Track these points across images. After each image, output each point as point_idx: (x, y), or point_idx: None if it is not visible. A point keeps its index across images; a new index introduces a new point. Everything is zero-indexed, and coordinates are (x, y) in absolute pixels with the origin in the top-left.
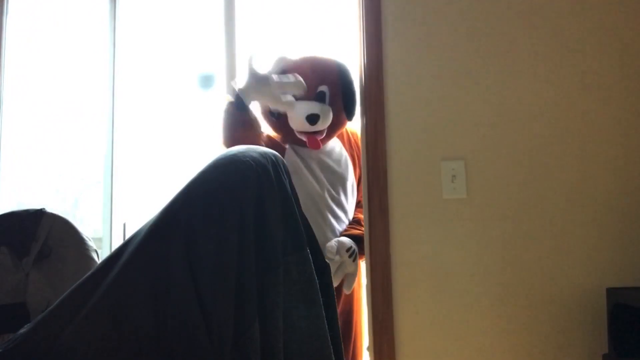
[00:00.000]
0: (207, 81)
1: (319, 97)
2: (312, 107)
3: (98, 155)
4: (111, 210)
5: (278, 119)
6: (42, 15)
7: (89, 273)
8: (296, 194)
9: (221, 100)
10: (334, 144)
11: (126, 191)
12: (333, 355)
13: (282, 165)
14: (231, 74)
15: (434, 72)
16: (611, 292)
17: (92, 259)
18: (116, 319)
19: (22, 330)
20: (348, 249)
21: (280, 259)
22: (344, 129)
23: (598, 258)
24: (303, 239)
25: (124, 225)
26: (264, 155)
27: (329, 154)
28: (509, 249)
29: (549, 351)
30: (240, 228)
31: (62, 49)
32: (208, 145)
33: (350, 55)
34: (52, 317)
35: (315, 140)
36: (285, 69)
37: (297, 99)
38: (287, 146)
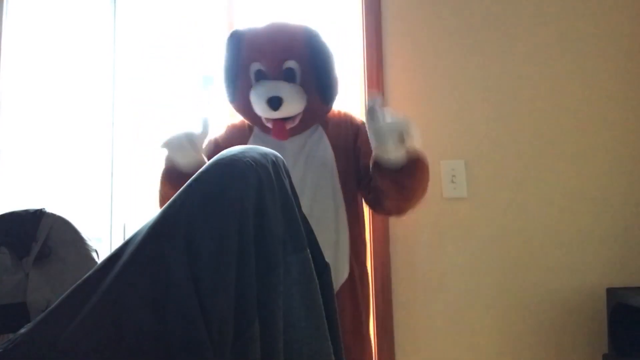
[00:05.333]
0: (207, 82)
1: (287, 76)
2: (274, 88)
3: (98, 155)
4: (111, 211)
5: (235, 102)
6: (42, 15)
7: (89, 273)
8: (296, 194)
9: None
10: (315, 135)
11: (126, 191)
12: (333, 356)
13: (282, 165)
14: None
15: (433, 72)
16: (611, 292)
17: (92, 259)
18: (116, 319)
19: (22, 330)
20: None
21: (280, 259)
22: (332, 113)
23: (598, 258)
24: (303, 239)
25: (124, 225)
26: (264, 155)
27: (304, 147)
28: (509, 248)
29: (549, 351)
30: (240, 228)
31: (62, 48)
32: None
33: (350, 57)
34: (52, 317)
35: (280, 128)
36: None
37: (261, 78)
38: (253, 132)
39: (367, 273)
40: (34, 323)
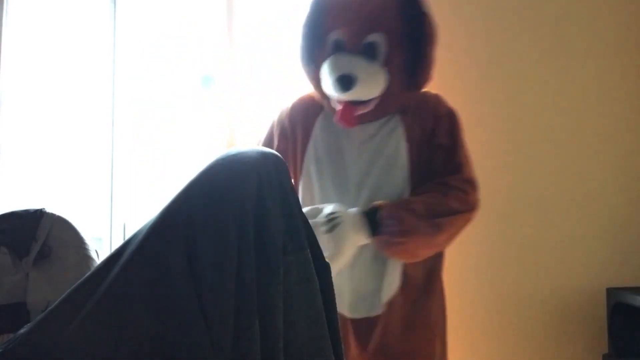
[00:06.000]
0: (207, 82)
1: (366, 51)
2: (348, 64)
3: (98, 155)
4: (111, 210)
5: (310, 73)
6: (42, 15)
7: (89, 273)
8: (296, 193)
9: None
10: (389, 125)
11: (126, 191)
12: (333, 356)
13: (282, 165)
14: (232, 73)
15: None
16: (611, 292)
17: (92, 259)
18: (116, 319)
19: (22, 330)
20: (329, 214)
21: (280, 259)
22: (416, 97)
23: (598, 258)
24: (303, 239)
25: (124, 225)
26: (264, 155)
27: (374, 137)
28: (509, 249)
29: (549, 351)
30: (240, 228)
31: (62, 48)
32: (208, 146)
33: None
34: (52, 317)
35: (347, 113)
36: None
37: (338, 50)
38: (322, 112)
39: (437, 282)
40: (34, 323)
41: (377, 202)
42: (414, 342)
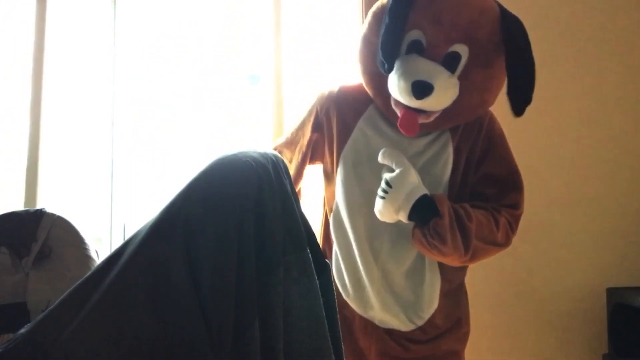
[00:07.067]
0: (254, 81)
1: (447, 61)
2: (428, 70)
3: (98, 155)
4: (111, 211)
5: (383, 74)
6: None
7: (89, 273)
8: (296, 193)
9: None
10: (439, 141)
11: (126, 191)
12: (333, 356)
13: (282, 165)
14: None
15: None
16: (611, 292)
17: (92, 258)
18: (116, 319)
19: (22, 330)
20: (386, 182)
21: (280, 258)
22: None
23: (598, 258)
24: (303, 238)
25: (124, 225)
26: (264, 155)
27: (423, 154)
28: (509, 249)
29: (549, 351)
30: (240, 228)
31: (62, 48)
32: (208, 146)
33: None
34: (52, 317)
35: (411, 120)
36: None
37: (415, 51)
38: (366, 111)
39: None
40: (34, 323)
41: (438, 195)
42: (449, 347)
